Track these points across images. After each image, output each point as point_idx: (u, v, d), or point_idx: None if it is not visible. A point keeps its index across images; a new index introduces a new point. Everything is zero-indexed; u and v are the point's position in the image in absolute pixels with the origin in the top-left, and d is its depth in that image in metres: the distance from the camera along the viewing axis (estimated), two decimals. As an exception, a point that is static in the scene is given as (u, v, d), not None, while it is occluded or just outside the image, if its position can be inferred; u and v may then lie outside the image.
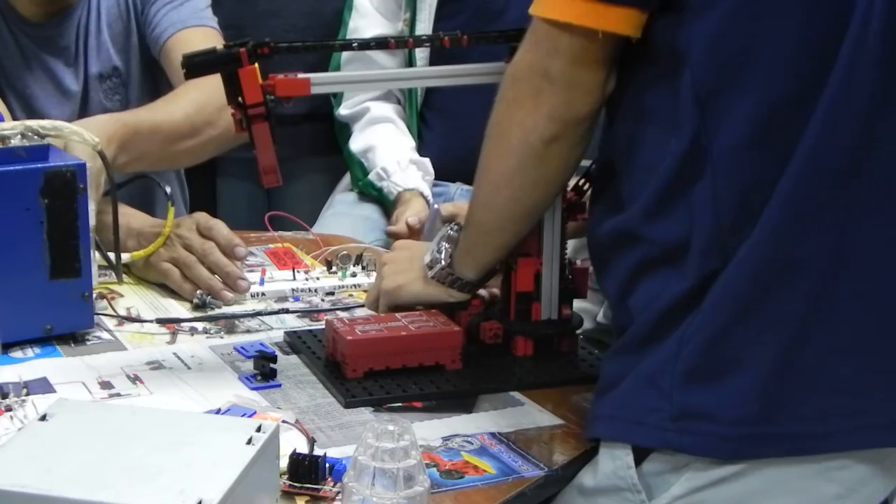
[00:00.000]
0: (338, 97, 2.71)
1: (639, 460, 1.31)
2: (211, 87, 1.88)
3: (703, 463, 1.27)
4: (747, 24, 1.23)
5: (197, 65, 1.50)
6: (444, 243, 1.59)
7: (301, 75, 1.51)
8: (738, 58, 1.24)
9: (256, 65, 1.48)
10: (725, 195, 1.25)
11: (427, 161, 2.58)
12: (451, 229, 1.60)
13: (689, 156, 1.26)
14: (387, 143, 2.60)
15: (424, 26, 2.58)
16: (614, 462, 1.32)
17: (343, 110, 2.69)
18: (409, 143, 2.62)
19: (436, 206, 1.97)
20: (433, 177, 2.59)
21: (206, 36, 2.15)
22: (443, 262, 1.58)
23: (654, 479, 1.30)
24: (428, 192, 2.53)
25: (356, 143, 2.65)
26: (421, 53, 2.57)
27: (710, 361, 1.26)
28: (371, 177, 2.59)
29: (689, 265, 1.27)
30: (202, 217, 1.86)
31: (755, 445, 1.25)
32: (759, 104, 1.23)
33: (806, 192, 1.23)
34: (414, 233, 2.11)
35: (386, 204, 2.58)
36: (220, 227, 1.84)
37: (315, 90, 1.51)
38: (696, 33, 1.24)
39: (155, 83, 2.31)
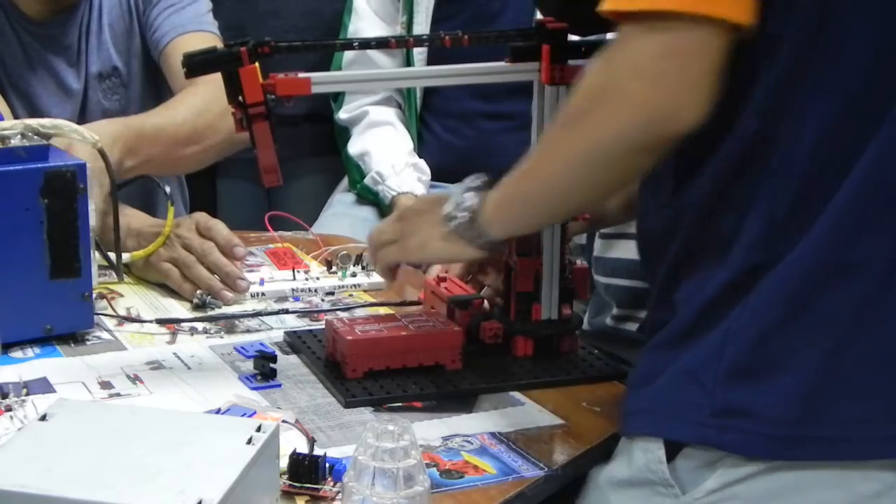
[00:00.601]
0: (338, 101, 2.72)
1: (671, 454, 1.29)
2: (210, 93, 1.88)
3: (738, 458, 1.25)
4: (830, 20, 1.19)
5: (197, 63, 1.50)
6: (468, 195, 1.47)
7: (302, 74, 1.51)
8: (816, 57, 1.20)
9: (257, 64, 1.48)
10: (783, 193, 1.23)
11: (422, 162, 2.59)
12: (477, 179, 1.49)
13: (751, 151, 1.24)
14: (383, 147, 2.60)
15: (421, 29, 2.59)
16: (646, 455, 1.30)
17: (342, 114, 2.70)
18: (407, 145, 2.62)
19: None
20: (429, 178, 2.60)
21: (206, 41, 2.14)
22: (465, 215, 1.47)
23: (688, 474, 1.28)
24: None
25: (354, 147, 2.66)
26: (419, 56, 2.58)
27: (756, 359, 1.24)
28: (367, 181, 2.60)
29: (733, 257, 1.25)
30: (201, 217, 1.87)
31: (794, 446, 1.23)
32: (833, 104, 1.21)
33: (868, 194, 1.20)
34: None
35: (382, 207, 2.59)
36: (219, 228, 1.84)
37: (315, 90, 1.51)
38: (780, 32, 1.20)
39: (156, 85, 2.32)
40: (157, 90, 2.31)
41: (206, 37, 2.19)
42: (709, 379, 1.25)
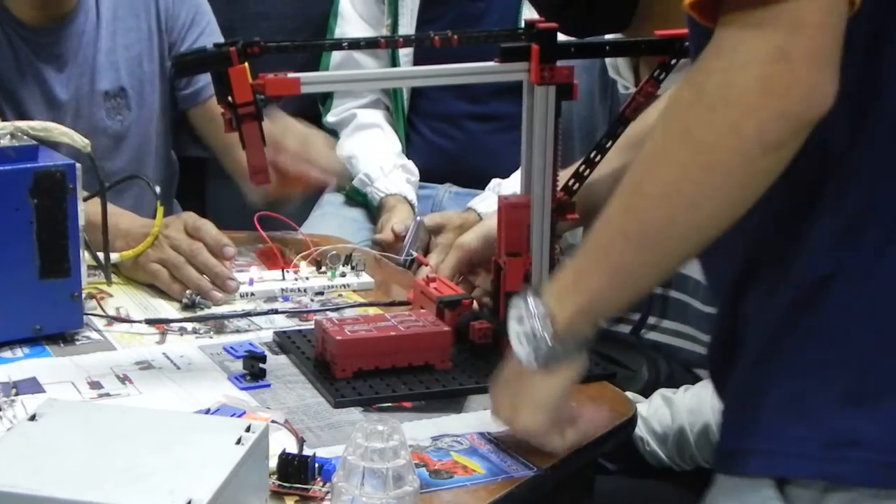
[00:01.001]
0: (325, 105, 2.73)
1: (781, 485, 1.21)
2: None
3: (852, 486, 1.18)
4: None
5: (188, 63, 1.52)
6: (527, 323, 1.28)
7: (291, 75, 1.51)
8: (886, 58, 1.13)
9: (246, 64, 1.48)
10: (849, 201, 1.15)
11: (411, 163, 2.60)
12: (527, 296, 1.29)
13: (817, 157, 1.15)
14: (371, 149, 2.61)
15: (406, 31, 2.60)
16: (760, 493, 1.21)
17: (330, 117, 2.70)
18: (395, 147, 2.63)
19: (418, 217, 1.98)
20: (418, 178, 2.60)
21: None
22: (549, 339, 1.27)
23: (802, 502, 1.20)
24: (413, 197, 2.54)
25: (342, 149, 2.66)
26: (404, 59, 2.59)
27: (864, 387, 1.17)
28: (355, 183, 2.60)
29: (800, 269, 1.18)
30: (190, 217, 1.87)
31: None
32: None
33: None
34: (399, 239, 2.12)
35: (371, 209, 2.59)
36: (208, 228, 1.84)
37: (305, 90, 1.51)
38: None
39: (164, 112, 2.36)
40: (164, 117, 2.37)
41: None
42: (815, 409, 1.18)
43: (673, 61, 1.55)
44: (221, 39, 2.29)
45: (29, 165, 1.57)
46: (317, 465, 1.25)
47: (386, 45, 1.60)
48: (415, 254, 1.98)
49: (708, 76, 1.11)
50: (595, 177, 1.61)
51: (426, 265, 1.84)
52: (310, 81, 1.53)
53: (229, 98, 1.49)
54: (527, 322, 1.28)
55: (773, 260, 1.20)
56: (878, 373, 1.17)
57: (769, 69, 1.07)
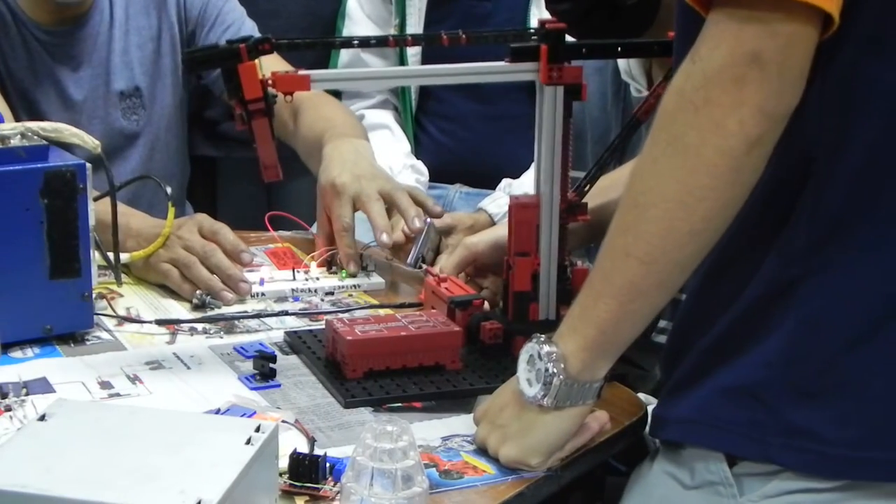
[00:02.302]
0: None
1: (730, 460, 1.28)
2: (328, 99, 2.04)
3: (799, 473, 1.25)
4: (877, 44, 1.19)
5: (198, 59, 1.53)
6: (543, 361, 1.29)
7: (301, 72, 1.51)
8: (858, 79, 1.20)
9: (257, 60, 1.49)
10: (824, 210, 1.21)
11: (420, 163, 2.60)
12: (539, 341, 1.31)
13: (797, 167, 1.22)
14: (380, 150, 2.60)
15: (414, 31, 2.59)
16: (707, 463, 1.29)
17: None
18: (404, 148, 2.63)
19: (429, 219, 1.97)
20: (427, 178, 2.60)
21: (278, 60, 2.10)
22: (560, 376, 1.29)
23: (747, 479, 1.27)
24: None
25: None
26: (412, 59, 2.59)
27: (821, 383, 1.23)
28: None
29: (769, 269, 1.24)
30: (206, 220, 1.86)
31: (856, 468, 1.23)
32: (875, 129, 1.20)
33: None
34: (410, 240, 2.12)
35: None
36: (225, 232, 1.84)
37: (315, 87, 1.52)
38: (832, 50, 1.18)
39: (180, 107, 2.37)
40: (179, 113, 2.37)
41: (275, 56, 2.11)
42: (771, 398, 1.24)
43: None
44: (244, 21, 2.29)
45: (39, 165, 1.57)
46: (328, 464, 1.25)
47: (396, 44, 1.60)
48: (425, 265, 1.97)
49: (687, 79, 1.17)
50: (611, 198, 1.61)
51: (433, 274, 1.83)
52: (320, 79, 1.54)
53: (240, 94, 1.49)
54: (538, 363, 1.30)
55: (748, 258, 1.26)
56: (840, 373, 1.23)
57: (743, 70, 1.14)
